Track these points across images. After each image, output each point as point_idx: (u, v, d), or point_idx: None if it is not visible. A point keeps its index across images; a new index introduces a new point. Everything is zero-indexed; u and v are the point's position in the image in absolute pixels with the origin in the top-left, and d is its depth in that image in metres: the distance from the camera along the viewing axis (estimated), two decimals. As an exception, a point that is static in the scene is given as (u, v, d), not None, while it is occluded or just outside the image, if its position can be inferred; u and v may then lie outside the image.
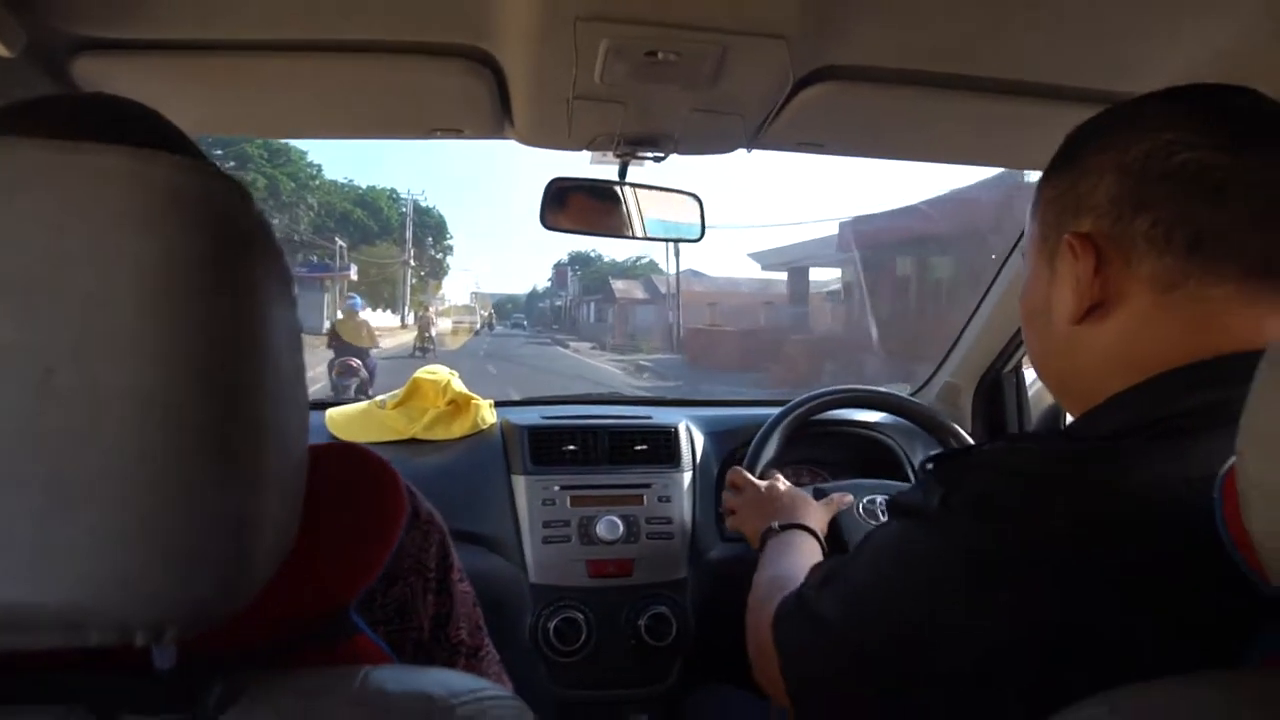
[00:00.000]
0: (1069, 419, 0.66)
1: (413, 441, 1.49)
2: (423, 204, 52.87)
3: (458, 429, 1.51)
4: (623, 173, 1.19)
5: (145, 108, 0.55)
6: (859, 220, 17.76)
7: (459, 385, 1.56)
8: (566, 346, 34.58)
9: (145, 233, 0.33)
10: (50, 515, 0.31)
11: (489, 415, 1.56)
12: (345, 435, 1.47)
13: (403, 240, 42.00)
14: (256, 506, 0.36)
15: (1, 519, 0.31)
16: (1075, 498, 0.49)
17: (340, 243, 30.15)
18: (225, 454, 0.34)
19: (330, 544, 0.48)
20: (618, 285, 43.02)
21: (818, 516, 1.10)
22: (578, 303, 54.52)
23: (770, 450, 1.35)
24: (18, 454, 0.31)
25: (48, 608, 0.31)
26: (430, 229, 52.95)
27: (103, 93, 0.55)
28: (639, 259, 58.18)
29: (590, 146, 1.13)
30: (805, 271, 23.18)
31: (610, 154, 1.15)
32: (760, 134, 1.09)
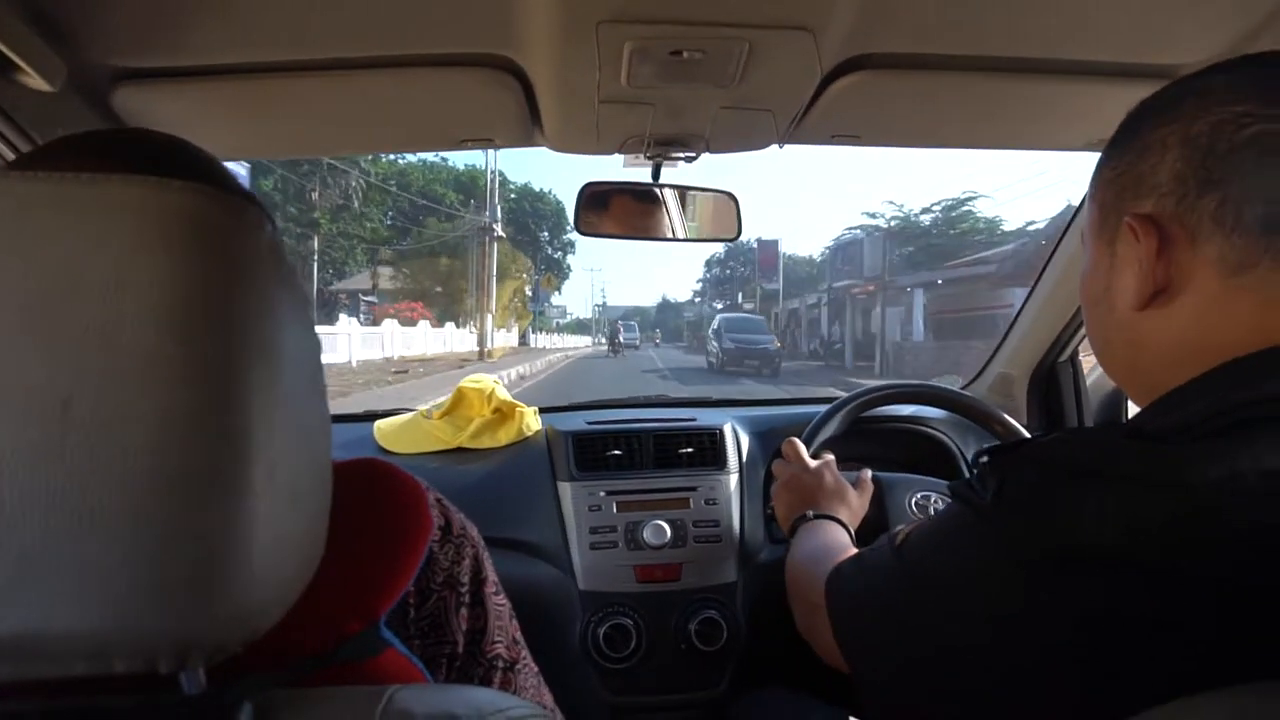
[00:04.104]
0: (1131, 407, 0.63)
1: (459, 450, 1.50)
2: (535, 188, 42.39)
3: (503, 437, 1.52)
4: (655, 174, 1.19)
5: (176, 139, 0.55)
6: None
7: (503, 393, 1.57)
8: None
9: (159, 258, 0.33)
10: (73, 544, 0.31)
11: (534, 422, 1.56)
12: (392, 446, 1.49)
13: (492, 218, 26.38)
14: (281, 527, 0.36)
15: (25, 548, 0.31)
16: (1134, 497, 0.46)
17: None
18: (247, 476, 0.34)
19: (356, 561, 0.48)
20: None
21: (853, 509, 1.13)
22: (839, 303, 28.58)
23: (830, 428, 1.35)
24: (40, 484, 0.31)
25: (72, 636, 0.32)
26: (546, 218, 42.80)
27: (137, 128, 0.56)
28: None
29: (621, 150, 1.13)
30: None
31: (642, 156, 1.14)
32: (793, 129, 1.07)
